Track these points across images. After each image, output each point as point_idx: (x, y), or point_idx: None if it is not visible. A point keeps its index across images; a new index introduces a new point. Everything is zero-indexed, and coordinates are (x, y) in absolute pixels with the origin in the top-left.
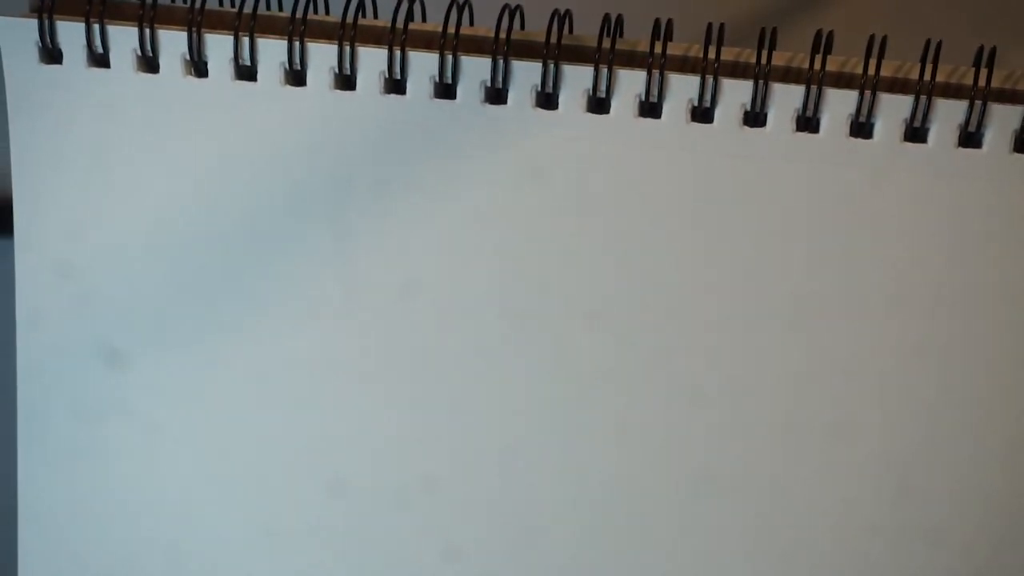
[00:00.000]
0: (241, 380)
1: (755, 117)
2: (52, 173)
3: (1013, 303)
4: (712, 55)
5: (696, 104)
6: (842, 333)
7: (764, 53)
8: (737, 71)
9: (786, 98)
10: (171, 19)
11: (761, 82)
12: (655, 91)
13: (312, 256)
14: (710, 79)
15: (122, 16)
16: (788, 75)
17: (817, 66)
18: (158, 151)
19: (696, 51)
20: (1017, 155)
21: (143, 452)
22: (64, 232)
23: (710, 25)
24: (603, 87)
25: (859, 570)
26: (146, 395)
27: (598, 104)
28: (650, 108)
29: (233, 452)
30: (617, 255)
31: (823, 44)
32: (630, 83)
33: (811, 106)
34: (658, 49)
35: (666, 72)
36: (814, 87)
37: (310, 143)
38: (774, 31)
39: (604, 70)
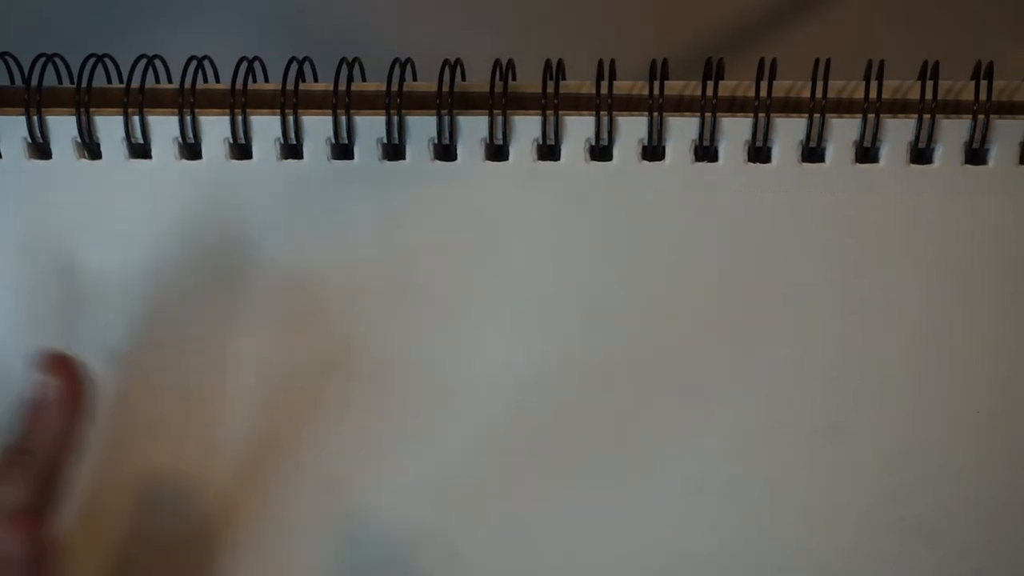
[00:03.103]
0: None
1: (705, 151)
2: None
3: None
4: (657, 91)
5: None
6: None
7: (709, 84)
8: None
9: (735, 130)
10: (58, 101)
11: (708, 115)
12: (604, 134)
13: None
14: (656, 117)
15: (9, 103)
16: (734, 105)
17: (763, 93)
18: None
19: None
20: (968, 167)
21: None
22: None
23: (661, 60)
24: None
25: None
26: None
27: (549, 151)
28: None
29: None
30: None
31: (768, 72)
32: (578, 128)
33: (760, 136)
34: (604, 90)
35: (614, 114)
36: (762, 116)
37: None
38: (720, 62)
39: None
